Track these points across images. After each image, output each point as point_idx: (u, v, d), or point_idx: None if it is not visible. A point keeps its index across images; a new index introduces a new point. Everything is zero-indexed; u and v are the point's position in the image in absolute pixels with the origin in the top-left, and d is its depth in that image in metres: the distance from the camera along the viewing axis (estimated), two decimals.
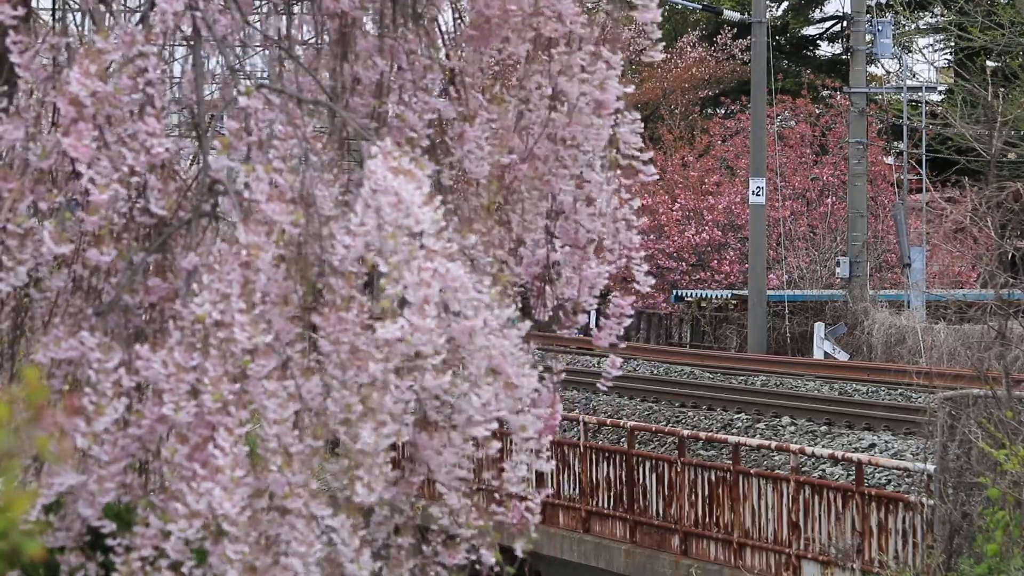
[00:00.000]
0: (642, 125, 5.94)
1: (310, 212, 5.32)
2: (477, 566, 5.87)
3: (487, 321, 5.11)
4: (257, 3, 6.11)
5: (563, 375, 6.37)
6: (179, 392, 5.21)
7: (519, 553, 5.73)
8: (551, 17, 5.84)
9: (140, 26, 5.57)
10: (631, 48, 6.01)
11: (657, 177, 6.02)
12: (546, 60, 5.86)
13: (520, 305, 5.74)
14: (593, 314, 6.27)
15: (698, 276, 39.83)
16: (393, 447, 5.29)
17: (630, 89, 5.85)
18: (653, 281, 6.12)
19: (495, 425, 5.26)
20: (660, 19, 5.88)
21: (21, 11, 5.62)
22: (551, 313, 6.18)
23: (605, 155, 5.92)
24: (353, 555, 5.26)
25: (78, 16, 6.08)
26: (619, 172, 5.96)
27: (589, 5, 6.01)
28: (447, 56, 6.15)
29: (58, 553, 5.67)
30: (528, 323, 5.54)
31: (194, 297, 5.25)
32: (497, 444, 5.35)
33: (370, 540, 5.54)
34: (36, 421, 3.99)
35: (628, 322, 6.12)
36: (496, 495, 5.78)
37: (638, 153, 5.91)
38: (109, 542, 5.44)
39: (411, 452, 5.54)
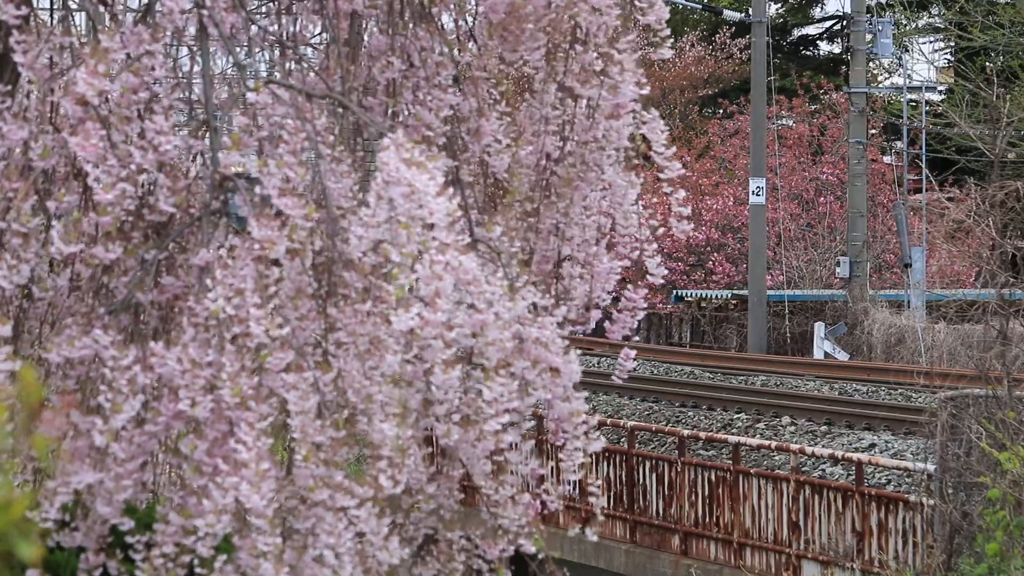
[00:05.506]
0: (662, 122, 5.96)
1: (320, 206, 5.30)
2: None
3: (499, 314, 5.10)
4: (259, 1, 6.10)
5: None
6: (195, 388, 5.20)
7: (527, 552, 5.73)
8: (586, 9, 5.81)
9: (144, 24, 5.57)
10: (642, 47, 6.00)
11: (683, 171, 6.01)
12: (563, 59, 5.85)
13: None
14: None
15: (697, 276, 39.81)
16: (428, 442, 5.29)
17: (645, 91, 5.85)
18: (666, 272, 6.11)
19: (506, 418, 5.25)
20: (667, 15, 5.91)
21: (24, 11, 5.61)
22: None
23: (619, 155, 5.93)
24: (381, 543, 5.27)
25: (78, 16, 6.08)
26: (641, 170, 6.00)
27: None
28: (457, 52, 6.13)
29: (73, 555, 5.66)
30: (564, 309, 5.54)
31: (207, 293, 5.24)
32: (510, 438, 5.33)
33: (410, 536, 5.56)
34: (33, 421, 3.99)
35: (641, 315, 6.11)
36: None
37: (663, 150, 5.93)
38: (128, 539, 5.44)
39: (445, 446, 5.53)
